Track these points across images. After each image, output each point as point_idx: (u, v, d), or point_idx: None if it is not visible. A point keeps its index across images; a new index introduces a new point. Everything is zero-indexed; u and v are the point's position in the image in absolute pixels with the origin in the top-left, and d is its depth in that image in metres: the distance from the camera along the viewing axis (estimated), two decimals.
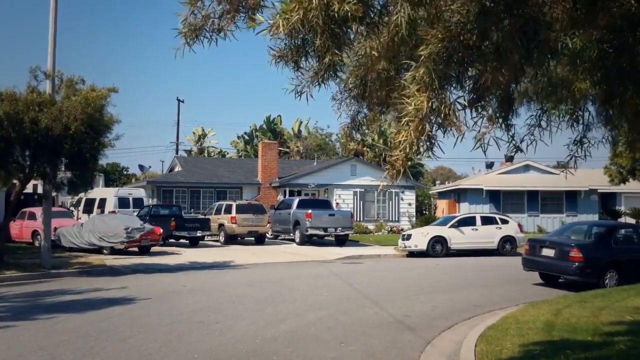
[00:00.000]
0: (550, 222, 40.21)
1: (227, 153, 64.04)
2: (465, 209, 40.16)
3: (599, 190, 41.03)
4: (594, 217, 40.38)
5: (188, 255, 24.53)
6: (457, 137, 4.61)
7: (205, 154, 62.57)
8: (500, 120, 5.58)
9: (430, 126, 4.30)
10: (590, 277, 15.01)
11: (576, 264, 14.81)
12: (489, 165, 48.90)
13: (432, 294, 14.25)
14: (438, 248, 25.06)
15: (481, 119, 5.00)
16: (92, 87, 18.53)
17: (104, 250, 23.60)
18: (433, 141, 4.45)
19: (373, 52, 5.13)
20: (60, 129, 17.15)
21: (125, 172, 63.93)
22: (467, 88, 4.86)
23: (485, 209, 39.03)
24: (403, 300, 13.23)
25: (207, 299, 13.07)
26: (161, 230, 25.26)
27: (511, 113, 5.76)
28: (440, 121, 4.42)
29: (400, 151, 4.27)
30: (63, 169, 19.42)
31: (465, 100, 4.81)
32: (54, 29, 19.39)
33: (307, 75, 5.06)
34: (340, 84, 5.87)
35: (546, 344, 8.32)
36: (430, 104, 4.19)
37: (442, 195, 47.95)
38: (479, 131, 4.99)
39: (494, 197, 40.48)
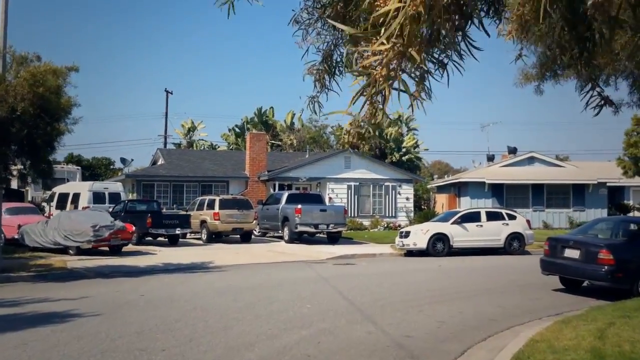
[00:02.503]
0: (557, 218, 38.01)
1: (218, 146, 61.62)
2: (466, 204, 37.86)
3: (608, 184, 38.78)
4: (603, 212, 38.16)
5: (163, 255, 22.27)
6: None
7: (195, 148, 60.15)
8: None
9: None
10: (622, 282, 12.73)
11: (606, 267, 12.53)
12: (490, 158, 46.69)
13: (437, 305, 11.94)
14: (439, 247, 22.81)
15: None
16: (47, 64, 16.16)
17: (70, 251, 21.31)
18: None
19: None
20: (5, 110, 14.81)
21: (112, 167, 61.38)
22: None
23: (488, 204, 36.80)
24: (402, 314, 10.92)
25: (165, 313, 10.73)
26: (134, 228, 22.98)
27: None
28: None
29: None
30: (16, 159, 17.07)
31: None
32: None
33: None
34: None
35: None
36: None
37: (441, 189, 45.64)
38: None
39: (497, 191, 38.19)
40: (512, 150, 43.40)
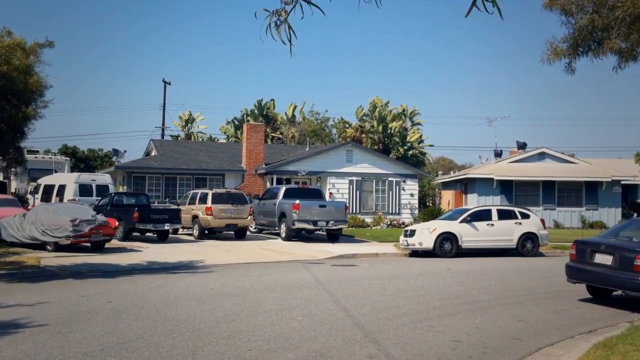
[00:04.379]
0: (568, 217, 36.31)
1: (217, 139, 59.92)
2: (473, 201, 36.16)
3: (622, 182, 37.05)
4: (617, 211, 36.48)
5: (149, 252, 20.68)
6: None
7: (193, 140, 58.46)
8: None
9: None
10: None
11: None
12: (498, 154, 44.94)
13: (449, 318, 10.26)
14: (447, 247, 21.13)
15: None
16: (14, 39, 14.48)
17: (48, 247, 19.83)
18: None
19: None
20: None
21: (108, 159, 59.67)
22: None
23: (496, 201, 35.12)
24: (409, 329, 9.24)
25: (128, 326, 9.06)
26: (117, 223, 21.33)
27: None
28: None
29: None
30: None
31: None
32: None
33: None
34: None
35: None
36: None
37: (446, 185, 43.92)
38: None
39: (506, 187, 36.46)
40: (522, 146, 41.63)
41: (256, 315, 10.03)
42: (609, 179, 36.19)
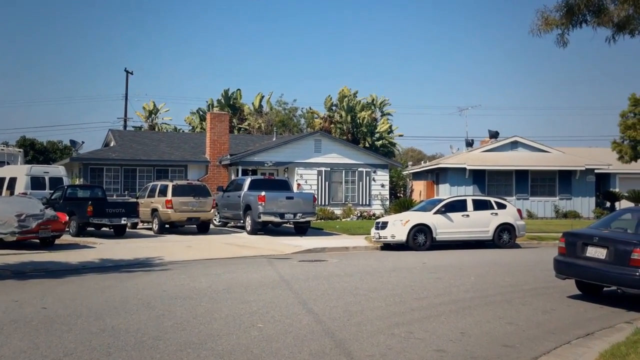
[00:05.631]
0: (542, 206, 35.61)
1: (182, 130, 58.19)
2: (445, 191, 35.24)
3: (595, 171, 36.42)
4: (591, 201, 35.85)
5: (104, 249, 19.28)
6: None
7: (158, 131, 56.64)
8: None
9: None
10: None
11: None
12: (469, 144, 44.15)
13: (429, 321, 9.10)
14: (420, 239, 20.08)
15: None
16: None
17: None
18: None
19: None
20: None
21: (68, 151, 57.56)
22: None
23: (468, 191, 34.23)
24: (386, 337, 8.07)
25: (55, 340, 7.72)
26: (67, 218, 19.83)
27: None
28: None
29: None
30: None
31: None
32: None
33: None
34: None
35: None
36: None
37: (417, 176, 42.99)
38: None
39: (478, 177, 35.60)
40: (494, 135, 40.84)
41: (210, 322, 8.74)
42: (583, 168, 35.54)
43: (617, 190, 38.08)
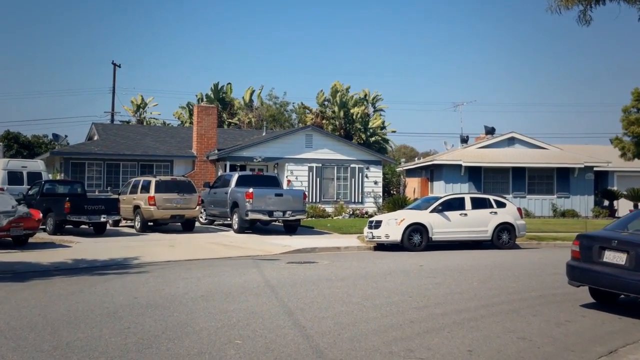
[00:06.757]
0: (539, 205, 34.66)
1: (170, 125, 56.90)
2: (439, 189, 34.19)
3: (594, 169, 35.46)
4: (589, 199, 34.88)
5: (80, 248, 18.21)
6: None
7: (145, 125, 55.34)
8: None
9: None
10: None
11: None
12: (464, 140, 43.15)
13: (431, 335, 8.02)
14: (416, 239, 19.05)
15: None
16: None
17: None
18: None
19: None
20: None
21: (53, 145, 56.16)
22: None
23: (464, 189, 33.26)
24: (383, 357, 6.99)
25: None
26: (41, 215, 18.67)
27: None
28: None
29: None
30: None
31: None
32: None
33: None
34: None
35: None
36: None
37: (411, 173, 41.93)
38: None
39: (474, 174, 34.56)
40: (490, 131, 39.81)
41: (182, 337, 7.63)
42: (582, 165, 34.55)
43: (615, 188, 37.13)
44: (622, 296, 10.31)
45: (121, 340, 7.46)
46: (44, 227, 21.48)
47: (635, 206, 33.60)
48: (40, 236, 20.54)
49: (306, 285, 11.79)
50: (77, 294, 10.72)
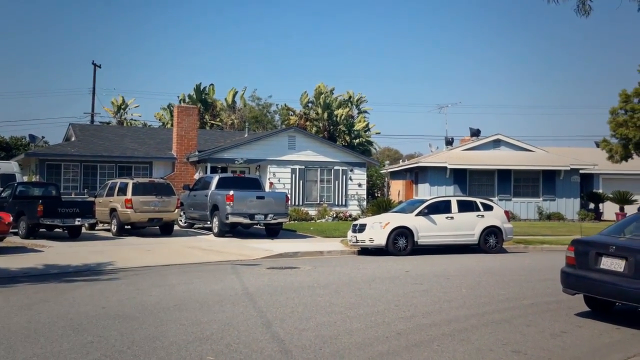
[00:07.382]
0: (525, 207, 34.30)
1: (151, 126, 56.01)
2: (424, 191, 33.73)
3: (580, 171, 35.15)
4: (575, 202, 34.57)
5: (52, 252, 17.52)
6: None
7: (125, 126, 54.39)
8: None
9: None
10: None
11: None
12: (449, 142, 42.64)
13: (420, 349, 7.45)
14: (401, 243, 18.51)
15: None
16: None
17: None
18: None
19: None
20: None
21: (31, 146, 55.02)
22: None
23: (449, 191, 32.79)
24: None
25: None
26: (11, 219, 17.93)
27: None
28: None
29: None
30: None
31: None
32: None
33: None
34: None
35: None
36: None
37: (395, 175, 41.44)
38: None
39: (459, 177, 34.13)
40: (475, 133, 39.42)
41: (149, 353, 6.99)
42: (568, 168, 34.23)
43: (601, 191, 36.88)
44: (618, 304, 9.81)
45: (81, 357, 6.81)
46: (16, 230, 20.74)
47: (621, 209, 33.30)
48: (12, 240, 19.81)
49: (287, 293, 11.18)
50: (41, 303, 10.04)
